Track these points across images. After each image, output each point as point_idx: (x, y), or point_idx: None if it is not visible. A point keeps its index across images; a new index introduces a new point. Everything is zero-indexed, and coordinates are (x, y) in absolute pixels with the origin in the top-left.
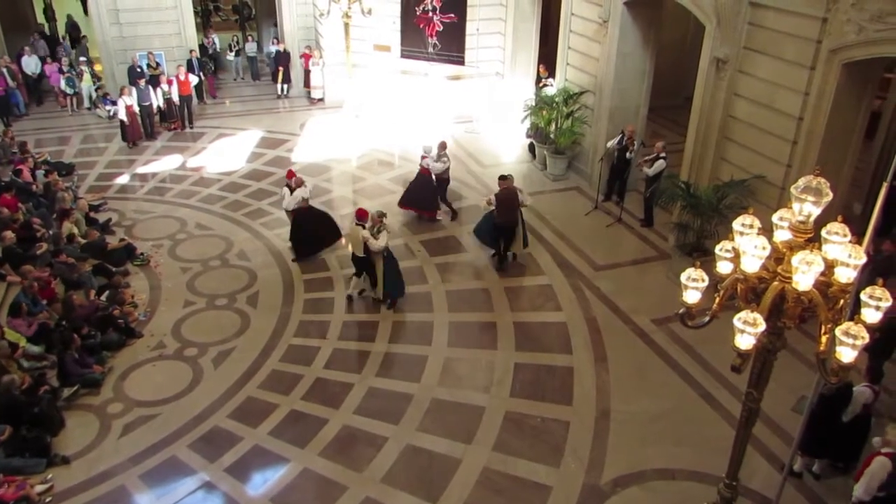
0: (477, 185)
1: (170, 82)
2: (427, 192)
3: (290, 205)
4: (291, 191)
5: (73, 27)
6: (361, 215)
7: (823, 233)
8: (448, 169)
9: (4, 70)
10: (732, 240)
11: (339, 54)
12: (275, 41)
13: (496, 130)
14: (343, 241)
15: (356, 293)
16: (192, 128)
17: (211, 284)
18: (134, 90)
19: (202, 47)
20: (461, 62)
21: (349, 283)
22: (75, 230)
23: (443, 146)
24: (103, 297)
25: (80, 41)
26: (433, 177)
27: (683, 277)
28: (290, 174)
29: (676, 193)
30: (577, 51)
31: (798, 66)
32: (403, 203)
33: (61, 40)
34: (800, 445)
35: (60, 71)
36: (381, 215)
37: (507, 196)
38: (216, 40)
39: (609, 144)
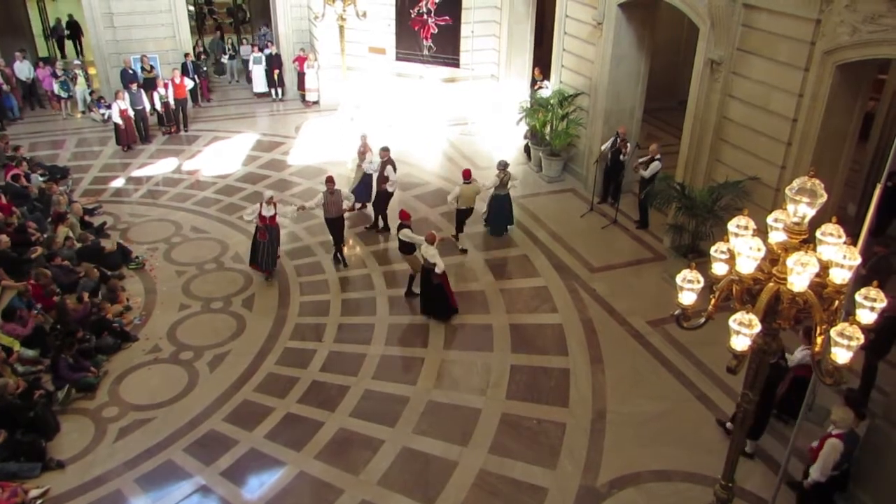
0: None
1: (165, 86)
2: (274, 247)
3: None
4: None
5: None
6: (467, 175)
7: (818, 234)
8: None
9: None
10: (727, 241)
11: (334, 57)
12: (269, 44)
13: (491, 133)
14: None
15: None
16: (186, 131)
17: (206, 287)
18: (127, 94)
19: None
20: (456, 64)
21: (461, 241)
22: (70, 234)
23: (270, 200)
24: (99, 296)
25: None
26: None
27: (679, 279)
28: (403, 214)
29: (671, 195)
30: (571, 53)
31: (792, 68)
32: (254, 263)
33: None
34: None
35: (53, 75)
36: (506, 165)
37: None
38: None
39: (603, 147)
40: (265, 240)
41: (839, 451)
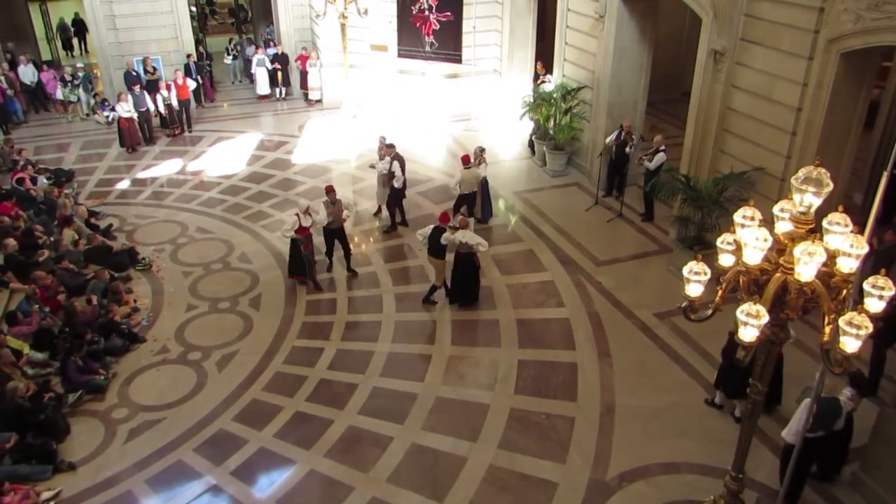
0: None
1: (168, 87)
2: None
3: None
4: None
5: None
6: (467, 160)
7: (825, 223)
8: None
9: (2, 78)
10: (734, 232)
11: (337, 55)
12: (273, 43)
13: (495, 128)
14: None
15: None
16: (190, 132)
17: (213, 288)
18: (130, 96)
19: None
20: (458, 60)
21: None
22: (77, 236)
23: (307, 210)
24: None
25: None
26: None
27: (685, 271)
28: (444, 217)
29: (676, 187)
30: (573, 46)
31: (796, 57)
32: (297, 275)
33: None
34: (721, 386)
35: (62, 80)
36: (482, 150)
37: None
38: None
39: (608, 140)
40: (309, 251)
41: (810, 413)
